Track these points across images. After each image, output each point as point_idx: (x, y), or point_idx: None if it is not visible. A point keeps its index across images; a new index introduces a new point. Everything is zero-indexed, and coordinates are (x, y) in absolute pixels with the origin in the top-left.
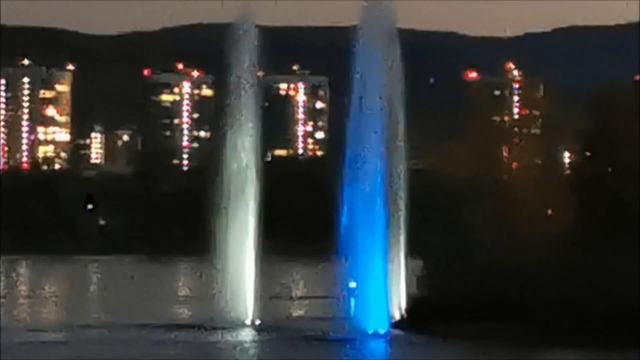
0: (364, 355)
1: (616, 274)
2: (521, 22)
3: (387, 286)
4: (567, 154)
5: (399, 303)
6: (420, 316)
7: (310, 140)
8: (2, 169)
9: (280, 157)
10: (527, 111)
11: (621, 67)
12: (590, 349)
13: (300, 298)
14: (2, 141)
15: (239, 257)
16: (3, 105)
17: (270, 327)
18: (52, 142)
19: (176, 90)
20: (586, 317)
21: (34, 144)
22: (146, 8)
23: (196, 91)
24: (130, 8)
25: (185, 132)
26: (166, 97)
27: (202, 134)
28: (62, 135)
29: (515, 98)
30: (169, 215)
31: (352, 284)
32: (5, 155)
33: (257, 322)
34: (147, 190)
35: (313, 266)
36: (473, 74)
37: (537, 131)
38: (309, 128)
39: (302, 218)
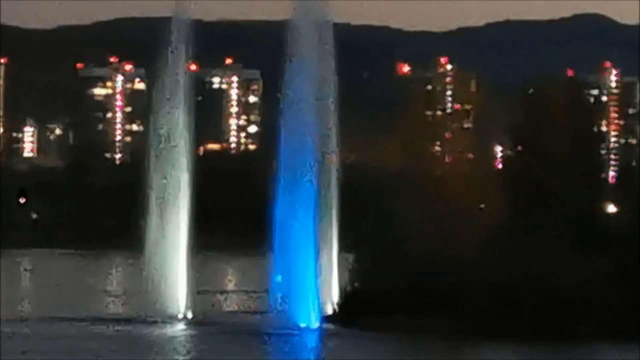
0: (295, 349)
1: (547, 265)
2: (454, 17)
3: (319, 280)
4: (499, 148)
5: (331, 297)
6: (352, 310)
7: (243, 134)
8: None
9: (213, 150)
10: (460, 105)
11: (553, 62)
12: (523, 340)
13: (233, 292)
14: None
15: (171, 250)
16: None
17: (202, 321)
18: None
19: (109, 83)
20: (518, 308)
21: None
22: (81, 1)
23: (129, 85)
24: (66, 2)
25: (118, 125)
26: (99, 91)
27: (135, 127)
28: None
29: (448, 92)
30: (101, 208)
31: (279, 278)
32: None
33: (189, 315)
34: (79, 183)
35: (246, 260)
36: (406, 68)
37: (470, 125)
38: (242, 122)
39: (235, 212)
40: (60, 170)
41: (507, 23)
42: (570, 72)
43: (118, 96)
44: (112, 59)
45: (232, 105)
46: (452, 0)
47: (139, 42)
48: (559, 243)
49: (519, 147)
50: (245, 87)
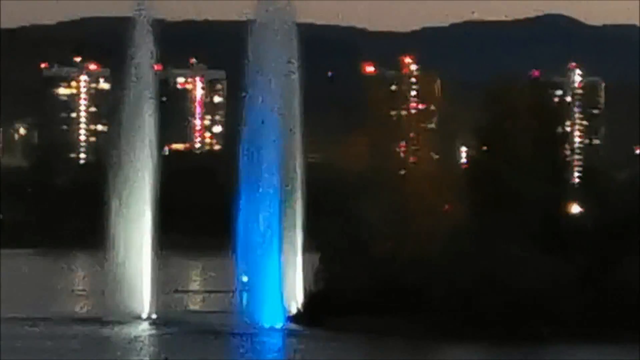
0: (259, 350)
1: (510, 265)
2: (419, 17)
3: (283, 280)
4: (463, 148)
5: (295, 297)
6: (316, 310)
7: (207, 134)
8: None
9: (177, 151)
10: (424, 106)
11: (518, 63)
12: (485, 340)
13: (197, 292)
14: None
15: (135, 251)
16: None
17: (167, 321)
18: None
19: (73, 83)
20: (481, 308)
21: None
22: (45, 1)
23: (93, 85)
24: (29, 1)
25: (83, 125)
26: (63, 91)
27: (99, 127)
28: None
29: (413, 92)
30: (66, 208)
31: (244, 278)
32: None
33: (154, 316)
34: (44, 183)
35: (210, 260)
36: (371, 68)
37: (434, 126)
38: (207, 122)
39: (200, 212)
40: (24, 170)
41: (472, 23)
42: (534, 73)
43: (82, 96)
44: (76, 59)
45: (196, 106)
46: (416, 0)
47: (104, 42)
48: (523, 243)
49: (483, 147)
50: (209, 87)
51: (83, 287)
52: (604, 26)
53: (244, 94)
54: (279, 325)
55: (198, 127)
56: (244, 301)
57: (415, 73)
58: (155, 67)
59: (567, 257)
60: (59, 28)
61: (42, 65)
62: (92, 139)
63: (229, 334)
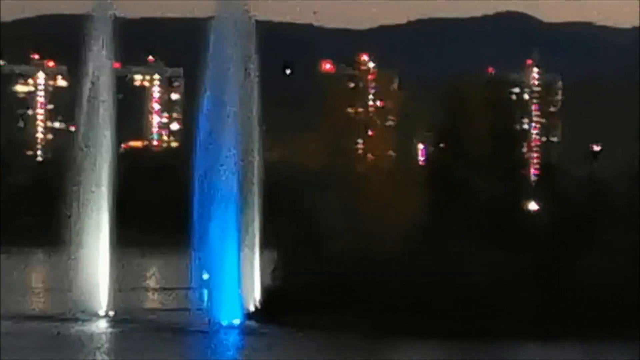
0: (217, 347)
1: (466, 262)
2: (376, 14)
3: (241, 277)
4: (421, 146)
5: (253, 294)
6: (274, 307)
7: (165, 132)
8: None
9: (135, 148)
10: (382, 103)
11: (475, 60)
12: (440, 337)
13: (156, 289)
14: None
15: (93, 248)
16: None
17: (125, 319)
18: None
19: (31, 81)
20: (437, 305)
21: None
22: None
23: (51, 82)
24: None
25: (40, 123)
26: (21, 88)
27: (57, 125)
28: None
29: (370, 90)
30: (23, 206)
31: (205, 276)
32: None
33: (112, 313)
34: (0, 181)
35: (168, 257)
36: (328, 66)
37: (392, 123)
38: (164, 119)
39: (157, 209)
40: None
41: (429, 21)
42: (492, 70)
43: (40, 93)
44: (33, 56)
45: (154, 103)
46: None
47: (61, 39)
48: (479, 240)
49: (441, 145)
50: (167, 84)
51: (41, 285)
52: (562, 24)
53: (201, 91)
54: (236, 323)
55: (155, 125)
56: (202, 298)
57: (372, 71)
58: (113, 64)
59: (524, 253)
60: (16, 25)
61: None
62: (50, 136)
63: (186, 332)
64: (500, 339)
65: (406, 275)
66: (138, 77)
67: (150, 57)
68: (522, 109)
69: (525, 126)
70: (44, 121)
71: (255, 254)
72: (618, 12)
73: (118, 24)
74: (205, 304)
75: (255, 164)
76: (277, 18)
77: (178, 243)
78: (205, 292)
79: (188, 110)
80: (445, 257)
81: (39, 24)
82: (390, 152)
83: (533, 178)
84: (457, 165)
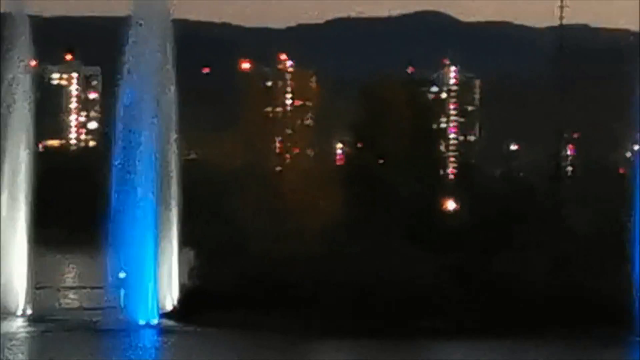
0: (134, 346)
1: (385, 261)
2: (295, 13)
3: (158, 277)
4: (339, 145)
5: (171, 293)
6: (192, 306)
7: (83, 131)
8: None
9: (52, 147)
10: (300, 102)
11: (394, 59)
12: (360, 336)
13: (72, 288)
14: None
15: (9, 246)
16: None
17: (41, 318)
18: None
19: None
20: (357, 304)
21: None
22: None
23: None
24: None
25: None
26: None
27: None
28: None
29: (288, 89)
30: None
31: (122, 275)
32: None
33: (28, 312)
34: None
35: (85, 256)
36: (246, 65)
37: (310, 122)
38: (82, 118)
39: (75, 208)
40: None
41: (348, 20)
42: (410, 70)
43: None
44: None
45: (71, 102)
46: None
47: None
48: (398, 239)
49: (359, 144)
50: (85, 83)
51: None
52: (480, 23)
53: (118, 90)
54: (154, 322)
55: (73, 124)
56: (119, 297)
57: (290, 70)
58: (30, 63)
59: (442, 251)
60: None
61: None
62: None
63: (103, 331)
64: (423, 337)
65: (326, 275)
66: (56, 76)
67: (69, 56)
68: (440, 107)
69: (443, 125)
70: None
71: (173, 253)
72: (535, 11)
73: (35, 22)
74: (121, 303)
75: (174, 162)
76: (195, 17)
77: (96, 242)
78: (122, 291)
79: (106, 109)
80: (365, 256)
81: None
82: (309, 151)
83: (451, 177)
84: (375, 164)
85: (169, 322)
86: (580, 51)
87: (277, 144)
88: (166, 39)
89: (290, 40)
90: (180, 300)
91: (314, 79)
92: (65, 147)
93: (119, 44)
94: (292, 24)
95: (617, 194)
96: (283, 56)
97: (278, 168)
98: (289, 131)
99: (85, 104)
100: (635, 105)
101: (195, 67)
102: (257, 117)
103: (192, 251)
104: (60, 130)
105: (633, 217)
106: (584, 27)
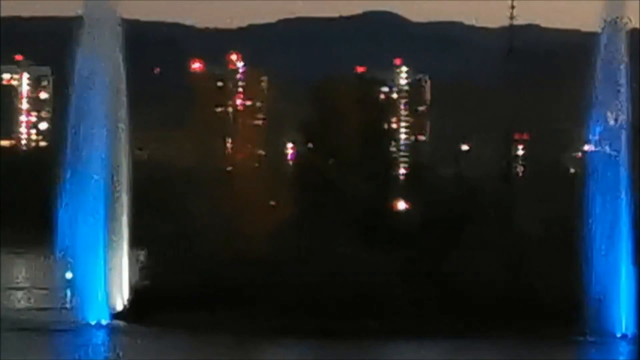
0: (84, 346)
1: (336, 262)
2: (246, 13)
3: (108, 276)
4: (290, 145)
5: (121, 293)
6: (142, 306)
7: (33, 131)
8: None
9: (3, 147)
10: (250, 102)
11: (344, 59)
12: (312, 336)
13: (22, 289)
14: None
15: None
16: None
17: None
18: None
19: None
20: (308, 304)
21: None
22: None
23: None
24: None
25: None
26: None
27: None
28: None
29: (239, 89)
30: None
31: (69, 275)
32: None
33: None
34: None
35: (35, 256)
36: (197, 65)
37: (261, 122)
38: (33, 119)
39: (25, 208)
40: None
41: (299, 20)
42: (360, 70)
43: None
44: None
45: (22, 102)
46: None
47: None
48: (348, 240)
49: (310, 144)
50: (35, 83)
51: None
52: (430, 23)
53: (69, 90)
54: (104, 322)
55: (24, 124)
56: (69, 297)
57: (241, 70)
58: None
59: (392, 252)
60: None
61: None
62: None
63: (53, 331)
64: (373, 337)
65: (276, 275)
66: (6, 76)
67: (19, 56)
68: (391, 108)
69: (394, 125)
70: None
71: (123, 253)
72: (486, 11)
73: None
74: (71, 303)
75: (124, 162)
76: (145, 17)
77: (47, 242)
78: (73, 291)
79: (57, 110)
80: (316, 256)
81: None
82: (260, 151)
83: (402, 177)
84: (326, 165)
85: (119, 322)
86: (531, 51)
87: (228, 144)
88: (116, 39)
89: (241, 40)
90: (130, 300)
91: (264, 79)
92: (16, 147)
93: (69, 44)
94: (244, 24)
95: (567, 194)
96: (234, 56)
97: (229, 168)
98: (239, 131)
99: (36, 104)
100: (585, 106)
101: (145, 67)
102: (208, 117)
103: (142, 251)
104: (11, 130)
105: (583, 218)
106: (535, 27)
